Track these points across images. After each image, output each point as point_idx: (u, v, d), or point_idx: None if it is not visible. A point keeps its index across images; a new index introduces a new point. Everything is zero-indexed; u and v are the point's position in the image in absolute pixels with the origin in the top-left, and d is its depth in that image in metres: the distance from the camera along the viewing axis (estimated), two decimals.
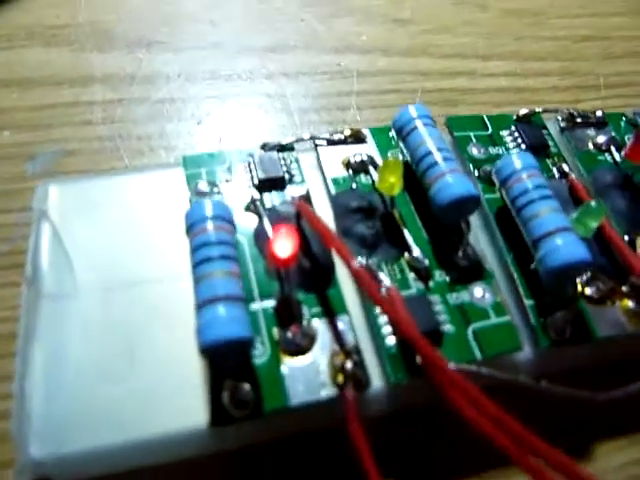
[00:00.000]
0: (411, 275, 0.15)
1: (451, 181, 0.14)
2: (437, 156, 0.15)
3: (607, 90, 0.23)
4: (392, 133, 0.17)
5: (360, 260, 0.15)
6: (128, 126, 0.20)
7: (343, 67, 0.23)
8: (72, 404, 0.13)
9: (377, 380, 0.13)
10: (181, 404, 0.13)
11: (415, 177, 0.16)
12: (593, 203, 0.15)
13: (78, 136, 0.20)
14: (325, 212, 0.16)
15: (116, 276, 0.15)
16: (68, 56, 0.22)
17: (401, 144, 0.16)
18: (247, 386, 0.13)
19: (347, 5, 0.25)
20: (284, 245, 0.13)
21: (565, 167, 0.17)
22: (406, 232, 0.15)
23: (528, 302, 0.15)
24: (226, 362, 0.12)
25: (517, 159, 0.15)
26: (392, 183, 0.15)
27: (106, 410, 0.13)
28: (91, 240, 0.15)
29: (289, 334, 0.13)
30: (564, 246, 0.14)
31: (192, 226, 0.13)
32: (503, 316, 0.14)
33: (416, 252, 0.15)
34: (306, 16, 0.25)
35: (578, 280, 0.15)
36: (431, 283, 0.15)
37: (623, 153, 0.18)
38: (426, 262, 0.15)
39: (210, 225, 0.13)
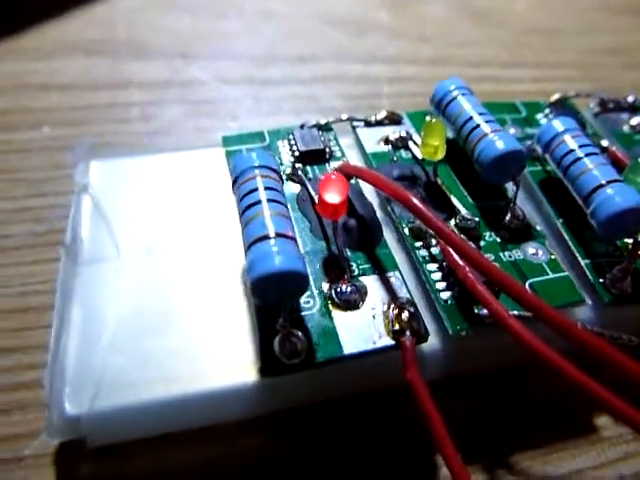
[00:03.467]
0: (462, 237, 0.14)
1: (495, 138, 0.14)
2: (478, 119, 0.15)
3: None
4: (431, 107, 0.17)
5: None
6: (165, 124, 0.20)
7: (372, 74, 0.23)
8: (109, 359, 0.12)
9: (434, 335, 0.13)
10: (229, 358, 0.12)
11: (456, 148, 0.16)
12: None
13: (115, 131, 0.20)
14: (366, 187, 0.16)
15: (156, 241, 0.14)
16: (107, 64, 0.23)
17: (438, 114, 0.16)
18: (299, 334, 0.12)
19: (372, 23, 0.26)
20: (335, 191, 0.13)
21: (604, 143, 0.17)
22: (452, 197, 0.15)
23: (584, 261, 0.14)
24: (277, 302, 0.12)
25: (559, 122, 0.15)
26: (435, 147, 0.15)
27: (146, 365, 0.12)
28: (131, 211, 0.15)
29: (339, 288, 0.13)
30: (617, 194, 0.13)
31: (240, 175, 0.13)
32: (560, 272, 0.14)
33: (465, 213, 0.14)
34: (332, 33, 0.26)
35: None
36: (482, 243, 0.14)
37: None
38: (476, 219, 0.14)
39: (258, 172, 0.13)
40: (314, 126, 0.17)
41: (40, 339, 0.14)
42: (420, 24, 0.27)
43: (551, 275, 0.14)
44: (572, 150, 0.14)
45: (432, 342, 0.12)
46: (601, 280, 0.14)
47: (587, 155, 0.14)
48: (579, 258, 0.14)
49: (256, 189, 0.13)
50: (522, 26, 0.27)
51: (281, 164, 0.16)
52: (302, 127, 0.17)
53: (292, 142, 0.16)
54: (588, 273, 0.14)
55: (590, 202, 0.14)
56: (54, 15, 0.24)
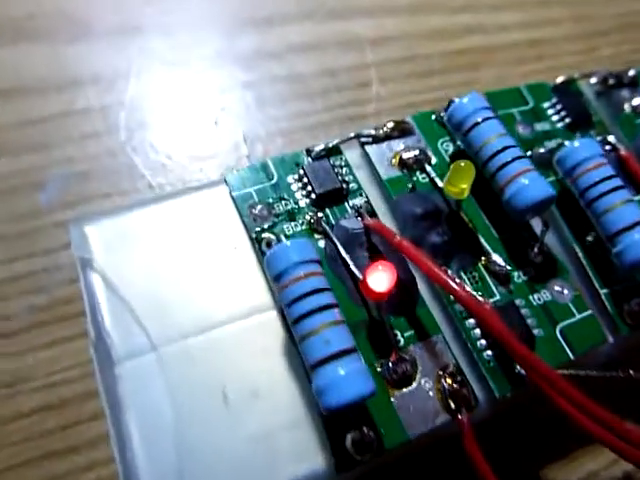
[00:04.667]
0: (491, 280, 0.15)
1: (526, 182, 0.14)
2: (506, 155, 0.14)
3: (616, 35, 0.23)
4: (447, 125, 0.16)
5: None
6: (137, 133, 0.18)
7: (353, 35, 0.21)
8: (179, 464, 0.12)
9: (481, 396, 0.14)
10: (298, 451, 0.13)
11: (479, 176, 0.15)
12: None
13: (84, 154, 0.17)
14: (382, 211, 0.16)
15: (188, 319, 0.14)
16: (44, 53, 0.19)
17: (457, 137, 0.16)
18: (367, 429, 0.12)
19: None
20: (382, 279, 0.12)
21: (611, 138, 0.17)
22: (480, 237, 0.15)
23: (603, 291, 0.15)
24: (346, 412, 0.12)
25: (580, 149, 0.15)
26: (463, 189, 0.14)
27: (219, 464, 0.12)
28: (148, 282, 0.14)
29: (390, 365, 0.13)
30: None
31: (280, 276, 0.12)
32: (585, 310, 0.15)
33: (495, 257, 0.15)
34: None
35: None
36: (512, 286, 0.15)
37: None
38: (508, 268, 0.15)
39: (301, 272, 0.12)
40: (323, 154, 0.16)
41: (89, 434, 0.14)
42: None
43: (577, 316, 0.14)
44: (597, 183, 0.14)
45: (481, 405, 0.13)
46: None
47: (613, 190, 0.14)
48: (598, 288, 0.15)
49: (304, 295, 0.12)
50: None
51: (297, 207, 0.15)
52: (309, 153, 0.16)
53: (304, 178, 0.15)
54: (607, 304, 0.15)
55: (616, 243, 0.14)
56: None
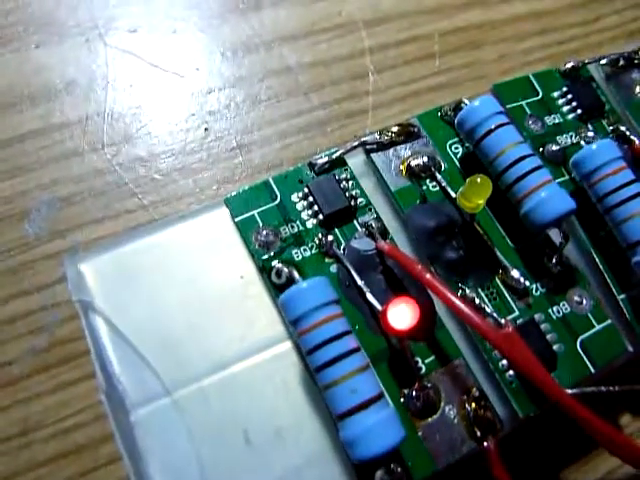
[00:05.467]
0: (509, 295, 0.14)
1: (546, 197, 0.13)
2: (523, 166, 0.14)
3: (622, 1, 0.21)
4: (459, 131, 0.15)
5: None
6: (123, 148, 0.17)
7: (345, 17, 0.19)
8: None
9: (505, 416, 0.13)
10: None
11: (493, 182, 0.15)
12: None
13: (68, 175, 0.16)
14: (393, 227, 0.15)
15: (200, 358, 0.13)
16: (11, 60, 0.17)
17: (468, 143, 0.15)
18: (394, 465, 0.12)
19: None
20: (404, 317, 0.12)
21: (623, 128, 0.16)
22: (497, 251, 0.14)
23: (620, 297, 0.15)
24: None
25: (598, 152, 0.14)
26: (478, 205, 0.14)
27: None
28: (154, 321, 0.14)
29: (414, 396, 0.13)
30: None
31: (298, 321, 0.12)
32: (604, 320, 0.14)
33: (513, 272, 0.14)
34: None
35: None
36: (530, 300, 0.14)
37: None
38: (526, 283, 0.14)
39: (320, 318, 0.12)
40: (326, 167, 0.15)
41: (109, 478, 0.14)
42: None
43: (597, 327, 0.14)
44: (616, 190, 0.14)
45: (505, 428, 0.13)
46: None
47: (633, 198, 0.14)
48: (616, 295, 0.15)
49: (325, 343, 0.12)
50: None
51: (304, 230, 0.14)
52: (312, 167, 0.15)
53: (309, 197, 0.14)
54: (625, 310, 0.15)
55: (636, 253, 0.14)
56: None
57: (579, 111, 0.16)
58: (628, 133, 0.16)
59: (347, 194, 0.15)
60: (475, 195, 0.14)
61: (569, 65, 0.17)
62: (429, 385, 0.13)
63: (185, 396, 0.13)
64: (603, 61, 0.17)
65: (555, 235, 0.15)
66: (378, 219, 0.15)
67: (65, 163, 0.16)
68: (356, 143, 0.15)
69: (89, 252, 0.14)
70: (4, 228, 0.15)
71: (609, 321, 0.14)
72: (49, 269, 0.15)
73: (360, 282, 0.13)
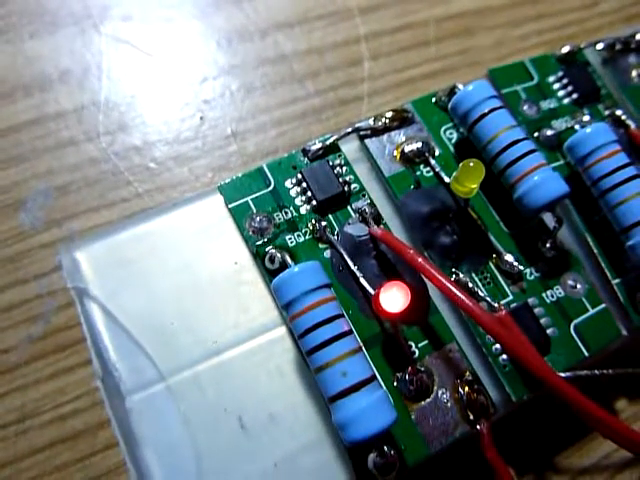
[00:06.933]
0: (503, 279, 0.14)
1: (540, 180, 0.13)
2: (516, 150, 0.14)
3: None
4: (452, 116, 0.15)
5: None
6: (119, 137, 0.17)
7: (340, 4, 0.19)
8: None
9: (498, 400, 0.13)
10: (321, 473, 0.13)
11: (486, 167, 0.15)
12: None
13: (63, 164, 0.16)
14: (387, 212, 0.15)
15: (194, 344, 0.13)
16: (5, 51, 0.17)
17: (462, 127, 0.15)
18: (388, 448, 0.12)
19: None
20: (395, 300, 0.12)
21: (619, 112, 0.16)
22: (490, 236, 0.14)
23: (615, 281, 0.15)
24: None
25: (592, 135, 0.14)
26: (472, 189, 0.14)
27: None
28: (149, 307, 0.14)
29: (407, 379, 0.13)
30: None
31: (290, 305, 0.12)
32: (598, 305, 0.14)
33: (507, 257, 0.14)
34: None
35: None
36: (524, 284, 0.14)
37: None
38: (520, 268, 0.14)
39: (312, 301, 0.12)
40: (320, 153, 0.15)
41: (105, 463, 0.14)
42: None
43: (591, 311, 0.14)
44: (610, 173, 0.14)
45: (498, 411, 0.13)
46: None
47: (627, 181, 0.14)
48: (610, 279, 0.15)
49: (316, 326, 0.12)
50: None
51: (298, 215, 0.14)
52: (306, 153, 0.15)
53: (303, 183, 0.14)
54: (619, 294, 0.15)
55: (630, 237, 0.14)
56: None
57: (575, 95, 0.16)
58: (624, 117, 0.16)
59: (341, 180, 0.15)
60: (468, 179, 0.13)
61: (565, 50, 0.17)
62: (422, 369, 0.13)
63: (180, 382, 0.13)
64: (599, 45, 0.17)
65: (549, 219, 0.15)
66: (372, 204, 0.15)
67: (60, 152, 0.16)
68: (350, 129, 0.15)
69: (84, 240, 0.14)
70: (0, 218, 0.15)
71: (603, 305, 0.14)
72: (45, 258, 0.15)
73: (353, 267, 0.14)
